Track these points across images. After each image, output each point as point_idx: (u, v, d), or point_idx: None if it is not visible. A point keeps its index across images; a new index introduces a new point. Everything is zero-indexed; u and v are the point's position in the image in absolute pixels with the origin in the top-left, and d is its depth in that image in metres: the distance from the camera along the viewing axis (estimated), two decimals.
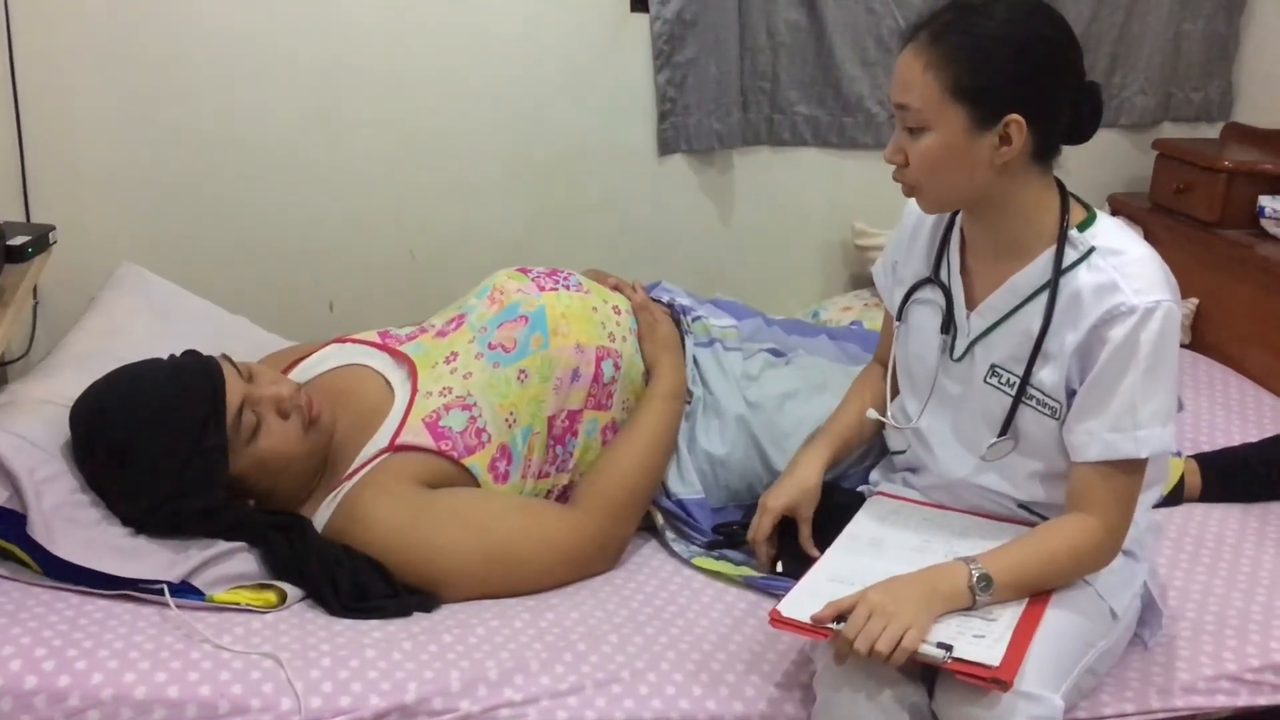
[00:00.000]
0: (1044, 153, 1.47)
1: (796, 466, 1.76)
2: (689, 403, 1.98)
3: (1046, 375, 1.50)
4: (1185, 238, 2.67)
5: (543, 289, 1.96)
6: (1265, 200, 2.56)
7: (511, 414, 1.83)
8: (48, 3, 2.28)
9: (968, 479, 1.62)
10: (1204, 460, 2.08)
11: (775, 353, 2.15)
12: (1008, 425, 1.54)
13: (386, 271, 2.61)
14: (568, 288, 1.99)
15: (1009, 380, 1.54)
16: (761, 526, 1.72)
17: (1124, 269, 1.45)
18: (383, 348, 1.93)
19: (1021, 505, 1.61)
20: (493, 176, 2.61)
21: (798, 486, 1.72)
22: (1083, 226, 1.50)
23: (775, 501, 1.72)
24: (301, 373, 1.92)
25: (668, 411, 1.92)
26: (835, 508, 1.76)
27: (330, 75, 2.46)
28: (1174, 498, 2.00)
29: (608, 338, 1.94)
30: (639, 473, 1.86)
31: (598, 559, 1.80)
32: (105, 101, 2.36)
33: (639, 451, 1.87)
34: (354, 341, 1.96)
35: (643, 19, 2.59)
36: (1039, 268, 1.50)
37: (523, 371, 1.86)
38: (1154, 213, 2.81)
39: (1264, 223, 2.56)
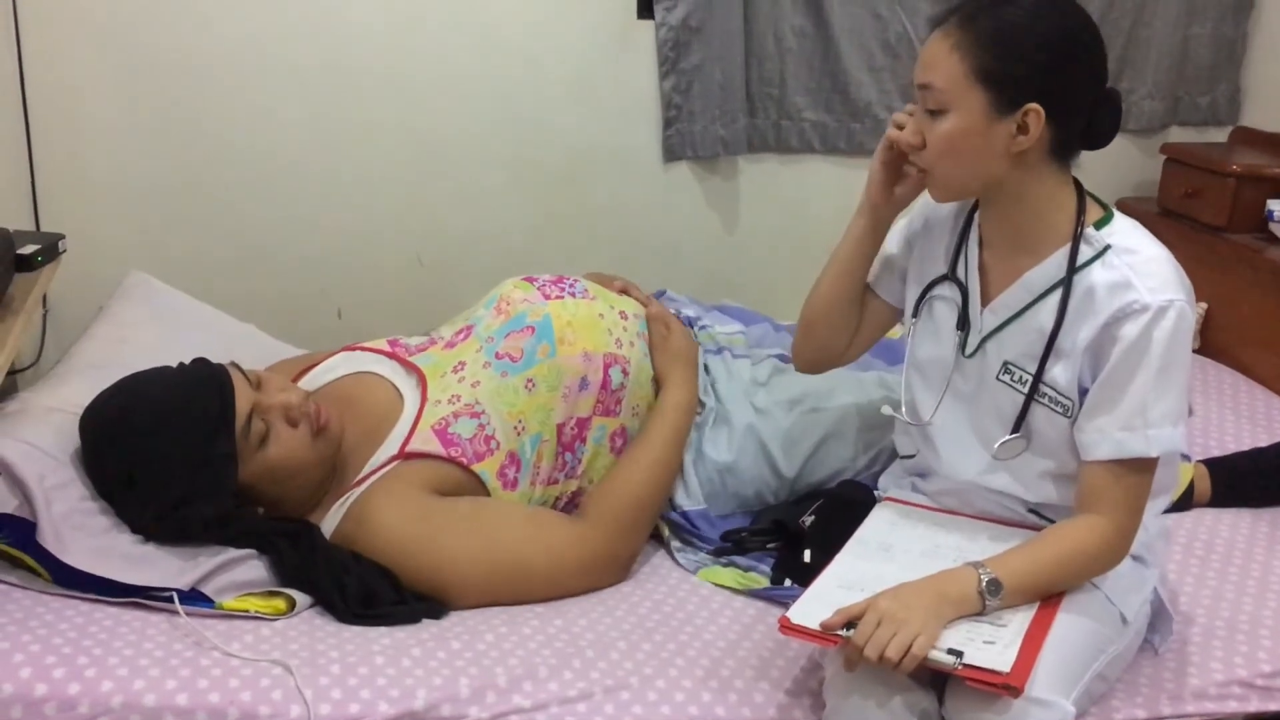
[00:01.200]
0: (1061, 150, 1.48)
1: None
2: (700, 413, 1.97)
3: (1059, 373, 1.50)
4: (1194, 242, 2.66)
5: (548, 297, 1.96)
6: (1274, 204, 2.56)
7: (520, 422, 1.83)
8: (57, 11, 2.29)
9: (977, 479, 1.62)
10: (1214, 465, 2.07)
11: (784, 358, 2.15)
12: (1020, 423, 1.54)
13: (394, 278, 2.62)
14: (573, 295, 1.98)
15: (1021, 378, 1.54)
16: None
17: (1138, 267, 1.45)
18: (392, 356, 1.93)
19: (1031, 509, 1.60)
20: (499, 183, 2.62)
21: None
22: (1099, 225, 1.51)
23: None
24: (310, 381, 1.92)
25: (676, 425, 1.92)
26: (846, 506, 1.76)
27: (338, 83, 2.46)
28: (1184, 503, 1.99)
29: (614, 344, 1.94)
30: (646, 487, 1.85)
31: (607, 572, 1.79)
32: (114, 110, 2.37)
33: (646, 466, 1.86)
34: (363, 350, 1.97)
35: (648, 25, 2.60)
36: (1053, 265, 1.50)
37: (530, 381, 1.86)
38: (1162, 217, 2.80)
39: (1272, 226, 2.56)
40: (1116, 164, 2.94)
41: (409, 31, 2.48)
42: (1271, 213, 2.55)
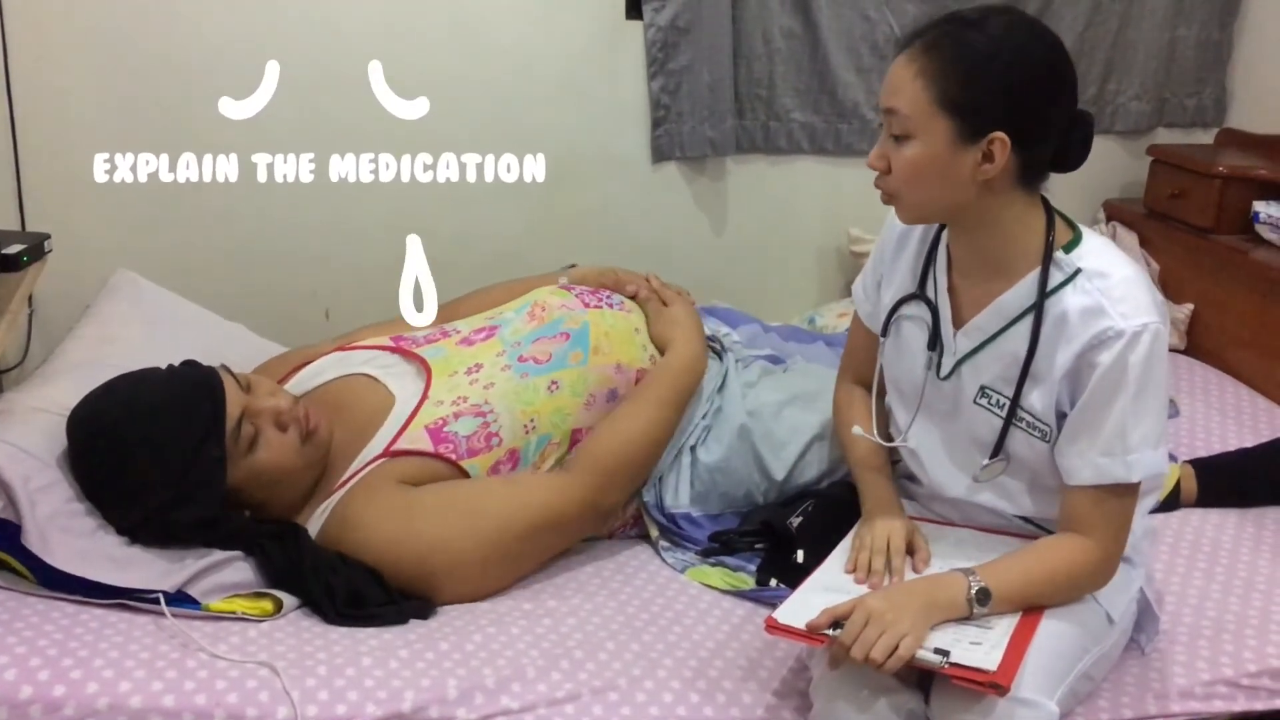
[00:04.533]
0: (1029, 175, 1.45)
1: (880, 503, 1.63)
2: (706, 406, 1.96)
3: (1036, 398, 1.49)
4: (1180, 243, 2.67)
5: (588, 306, 1.96)
6: (1259, 206, 2.57)
7: (532, 420, 1.82)
8: (43, 10, 2.28)
9: (962, 499, 1.61)
10: (1200, 465, 2.08)
11: (773, 359, 2.16)
12: (999, 448, 1.53)
13: (382, 279, 2.58)
14: (611, 306, 1.98)
15: (998, 402, 1.52)
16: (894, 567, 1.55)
17: (1110, 292, 1.43)
18: (394, 350, 1.92)
19: (1021, 518, 1.60)
20: (487, 184, 2.61)
21: (901, 520, 1.60)
22: (1069, 247, 1.48)
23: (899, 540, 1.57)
24: (298, 384, 1.91)
25: (675, 385, 1.91)
26: (835, 507, 1.76)
27: (325, 82, 2.46)
28: (1170, 503, 2.00)
29: (649, 360, 1.94)
30: (637, 442, 1.84)
31: (585, 521, 1.80)
32: (100, 109, 2.36)
33: (639, 421, 1.85)
34: (358, 348, 1.95)
35: (637, 26, 2.60)
36: (1025, 289, 1.48)
37: (555, 382, 1.85)
38: (1149, 219, 2.81)
39: (1258, 228, 2.57)
40: (1103, 166, 2.94)
41: (397, 31, 2.47)
42: (1257, 214, 2.56)
